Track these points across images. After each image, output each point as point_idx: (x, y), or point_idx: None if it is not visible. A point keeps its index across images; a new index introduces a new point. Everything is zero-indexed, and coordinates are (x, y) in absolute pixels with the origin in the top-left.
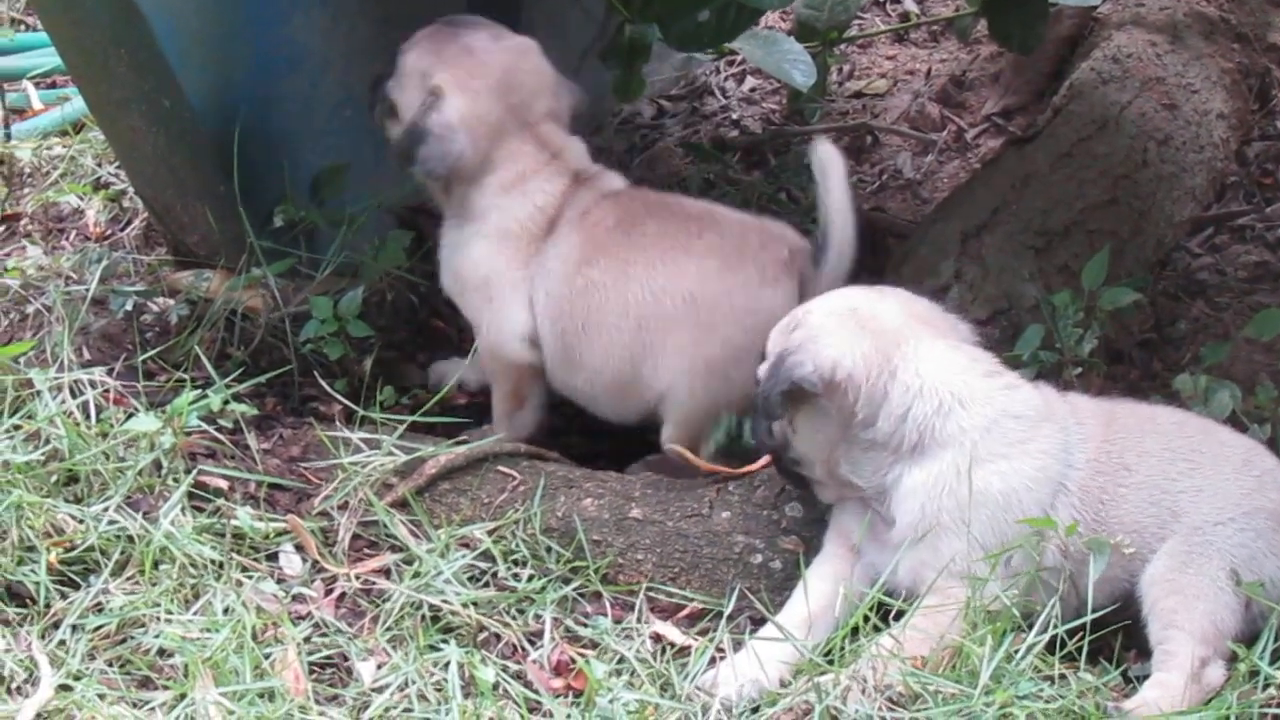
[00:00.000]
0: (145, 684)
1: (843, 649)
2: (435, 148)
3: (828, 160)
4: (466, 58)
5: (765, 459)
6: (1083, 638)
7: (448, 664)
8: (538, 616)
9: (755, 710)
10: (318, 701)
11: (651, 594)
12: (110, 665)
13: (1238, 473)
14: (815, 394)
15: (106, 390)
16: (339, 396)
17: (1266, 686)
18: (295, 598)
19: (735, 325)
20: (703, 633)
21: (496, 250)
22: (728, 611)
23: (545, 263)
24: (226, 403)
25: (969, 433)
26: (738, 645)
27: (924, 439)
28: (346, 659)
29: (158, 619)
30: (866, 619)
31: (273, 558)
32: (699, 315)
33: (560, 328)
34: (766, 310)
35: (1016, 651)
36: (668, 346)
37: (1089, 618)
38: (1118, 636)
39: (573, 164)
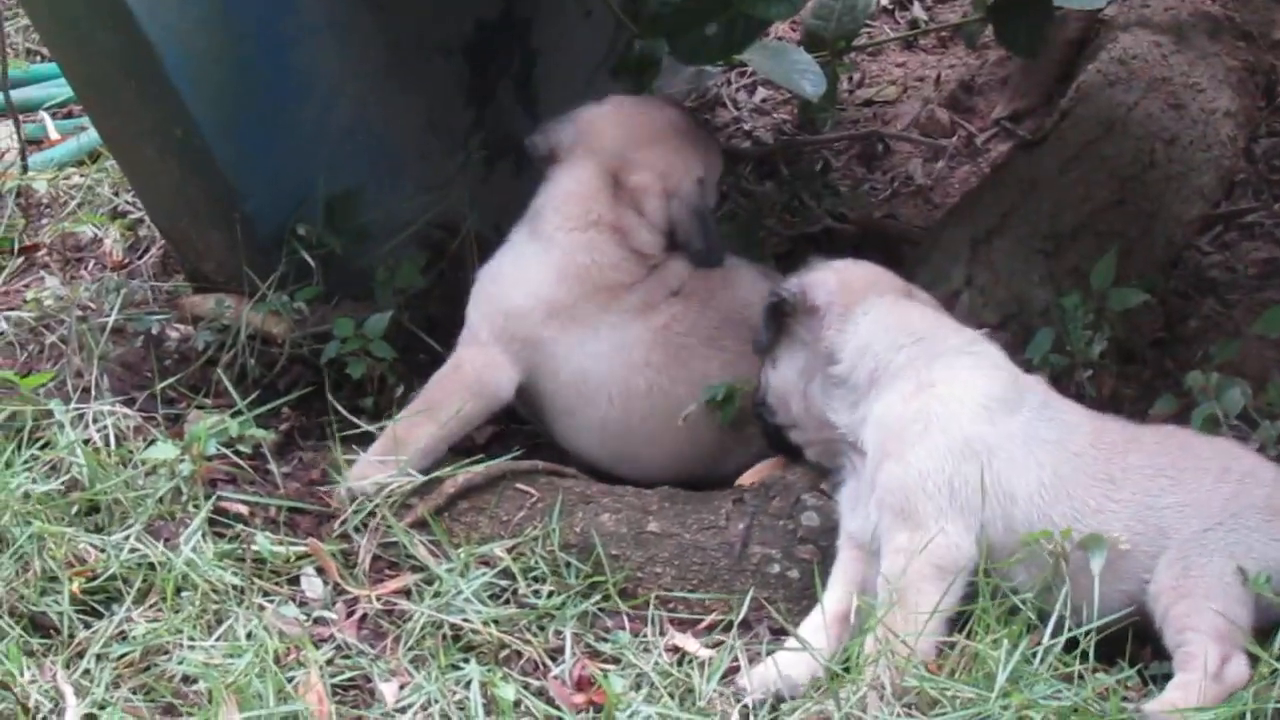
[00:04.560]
0: (169, 711)
1: (859, 656)
2: None
3: None
4: None
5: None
6: (1091, 637)
7: (469, 683)
8: (558, 633)
9: (774, 718)
10: None
11: (670, 609)
12: (134, 693)
13: (1217, 482)
14: (793, 312)
15: (126, 419)
16: (352, 418)
17: None
18: (317, 621)
19: None
20: (720, 644)
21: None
22: (739, 619)
23: None
24: (246, 428)
25: (916, 361)
26: (754, 655)
27: (879, 370)
28: (369, 680)
29: (180, 646)
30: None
31: (294, 581)
32: None
33: None
34: None
35: (1034, 653)
36: None
37: (1096, 622)
38: (1129, 635)
39: None
